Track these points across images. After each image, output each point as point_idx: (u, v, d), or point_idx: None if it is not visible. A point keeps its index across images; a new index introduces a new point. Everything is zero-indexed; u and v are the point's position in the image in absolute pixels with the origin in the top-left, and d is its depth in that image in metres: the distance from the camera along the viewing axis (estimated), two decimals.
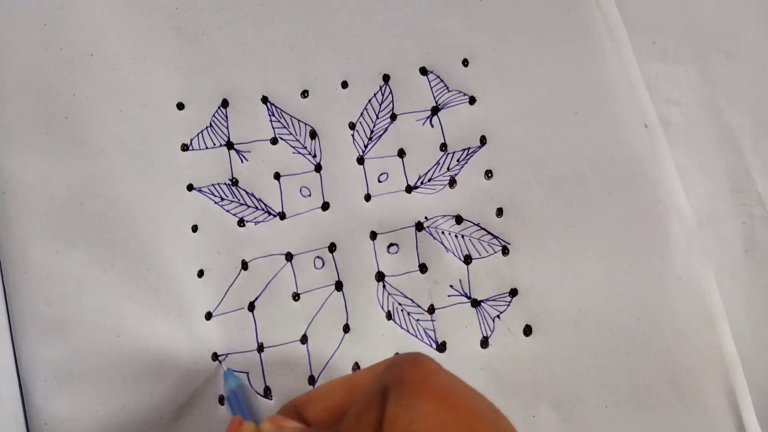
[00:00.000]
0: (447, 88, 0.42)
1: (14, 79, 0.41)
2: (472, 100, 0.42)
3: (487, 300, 0.40)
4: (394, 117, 0.42)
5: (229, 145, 0.42)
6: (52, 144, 0.40)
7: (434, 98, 0.42)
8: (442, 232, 0.41)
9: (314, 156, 0.42)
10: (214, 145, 0.42)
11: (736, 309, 0.42)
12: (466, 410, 0.24)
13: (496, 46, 0.42)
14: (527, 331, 0.40)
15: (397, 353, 0.40)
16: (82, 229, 0.40)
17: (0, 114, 0.41)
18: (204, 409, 0.39)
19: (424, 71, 0.42)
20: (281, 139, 0.42)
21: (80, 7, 0.42)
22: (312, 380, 0.39)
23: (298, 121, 0.42)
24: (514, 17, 0.42)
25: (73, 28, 0.41)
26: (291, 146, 0.42)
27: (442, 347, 0.40)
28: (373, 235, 0.41)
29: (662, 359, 0.39)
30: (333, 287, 0.41)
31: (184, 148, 0.42)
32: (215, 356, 0.39)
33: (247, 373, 0.39)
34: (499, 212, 0.41)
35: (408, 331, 0.40)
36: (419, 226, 0.41)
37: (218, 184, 0.42)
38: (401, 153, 0.42)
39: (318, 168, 0.42)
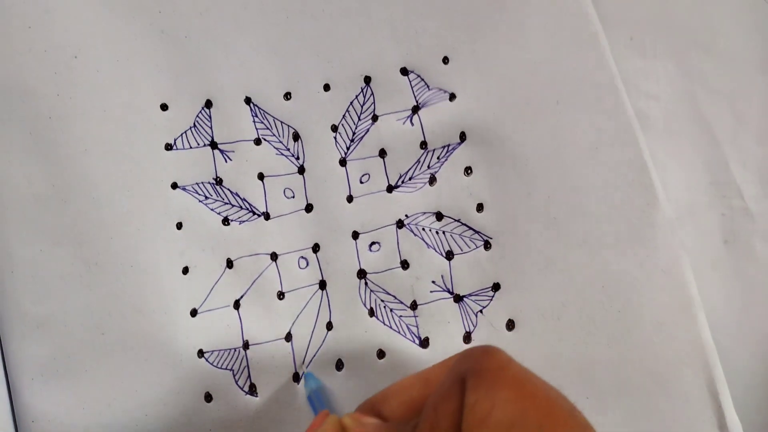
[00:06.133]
0: (427, 86, 0.42)
1: None
2: (452, 97, 0.42)
3: (470, 295, 0.41)
4: (375, 118, 0.42)
5: (213, 145, 0.42)
6: (36, 144, 0.41)
7: (415, 97, 0.42)
8: (423, 229, 0.41)
9: (297, 158, 0.42)
10: (198, 144, 0.42)
11: (716, 299, 0.42)
12: (545, 399, 0.24)
13: (475, 43, 0.42)
14: (510, 325, 0.40)
15: (381, 350, 0.40)
16: (66, 228, 0.40)
17: None
18: (189, 405, 0.39)
19: (405, 71, 0.42)
20: (264, 140, 0.42)
21: (65, 11, 0.42)
22: (296, 377, 0.40)
23: (281, 122, 0.42)
24: (492, 14, 0.42)
25: (57, 31, 0.42)
26: (274, 147, 0.42)
27: (425, 343, 0.40)
28: (355, 235, 0.41)
29: (643, 351, 0.39)
30: (317, 286, 0.41)
31: (168, 147, 0.42)
32: (200, 353, 0.40)
33: (232, 370, 0.40)
34: (480, 207, 0.41)
35: (391, 327, 0.40)
36: (400, 224, 0.41)
37: (202, 183, 0.42)
38: (382, 153, 0.42)
39: (301, 170, 0.42)
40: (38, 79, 0.41)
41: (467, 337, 0.40)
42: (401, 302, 0.41)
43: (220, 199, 0.42)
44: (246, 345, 0.40)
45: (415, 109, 0.42)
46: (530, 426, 0.23)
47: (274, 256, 0.41)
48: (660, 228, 0.39)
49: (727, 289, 0.43)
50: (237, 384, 0.40)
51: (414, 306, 0.41)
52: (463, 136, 0.42)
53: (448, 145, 0.42)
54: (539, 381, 0.25)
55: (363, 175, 0.42)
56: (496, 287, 0.40)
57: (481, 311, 0.40)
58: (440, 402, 0.25)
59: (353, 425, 0.29)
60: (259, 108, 0.42)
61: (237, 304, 0.41)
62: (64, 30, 0.42)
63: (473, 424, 0.24)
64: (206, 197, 0.42)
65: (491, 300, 0.40)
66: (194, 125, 0.42)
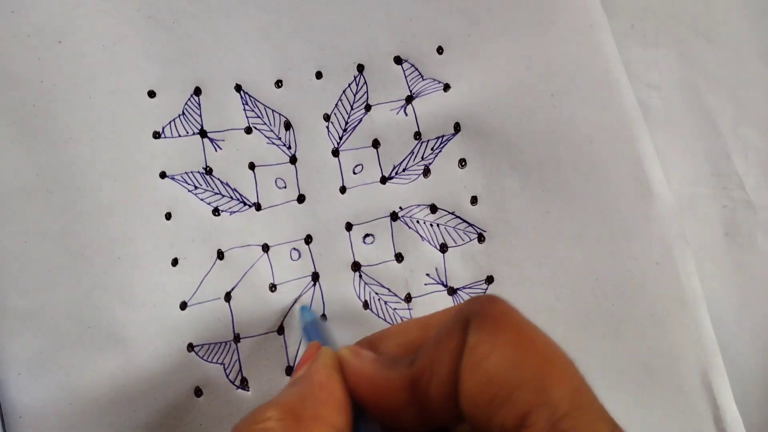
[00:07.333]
0: (421, 76, 0.41)
1: None
2: (446, 88, 0.41)
3: (464, 288, 0.40)
4: (368, 108, 0.41)
5: (203, 134, 0.41)
6: (20, 133, 0.39)
7: (409, 87, 0.41)
8: (417, 221, 0.41)
9: (289, 147, 0.41)
10: (187, 133, 0.41)
11: (717, 293, 0.42)
12: (544, 345, 0.25)
13: (470, 32, 0.41)
14: None
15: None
16: (52, 219, 0.39)
17: None
18: (179, 400, 0.38)
19: (398, 60, 0.42)
20: (255, 128, 0.41)
21: None
22: (290, 370, 0.39)
23: (273, 111, 0.41)
24: (489, 1, 0.41)
25: (41, 15, 0.40)
26: (265, 136, 0.41)
27: None
28: (349, 227, 0.41)
29: (637, 344, 0.39)
30: (310, 278, 0.40)
31: (156, 135, 0.41)
32: (190, 347, 0.39)
33: (223, 364, 0.39)
34: (474, 200, 0.41)
35: (385, 320, 0.40)
36: (394, 216, 0.41)
37: (192, 172, 0.41)
38: (376, 144, 0.41)
39: (293, 160, 0.41)
40: (21, 65, 0.40)
41: None
42: (396, 295, 0.40)
43: (210, 189, 0.41)
44: (237, 338, 0.40)
45: (409, 99, 0.41)
46: (528, 369, 0.24)
47: (265, 248, 0.41)
48: (654, 221, 0.39)
49: (728, 282, 0.43)
50: (228, 378, 0.39)
51: (408, 299, 0.40)
52: (457, 127, 0.41)
53: (443, 136, 0.41)
54: (540, 331, 0.26)
55: (356, 166, 0.41)
56: (489, 280, 0.40)
57: None
58: (442, 339, 0.26)
59: (350, 357, 0.29)
60: (249, 96, 0.41)
61: (228, 297, 0.40)
62: (48, 14, 0.40)
63: (472, 363, 0.24)
64: (195, 187, 0.41)
65: (485, 292, 0.40)
66: (183, 113, 0.41)
